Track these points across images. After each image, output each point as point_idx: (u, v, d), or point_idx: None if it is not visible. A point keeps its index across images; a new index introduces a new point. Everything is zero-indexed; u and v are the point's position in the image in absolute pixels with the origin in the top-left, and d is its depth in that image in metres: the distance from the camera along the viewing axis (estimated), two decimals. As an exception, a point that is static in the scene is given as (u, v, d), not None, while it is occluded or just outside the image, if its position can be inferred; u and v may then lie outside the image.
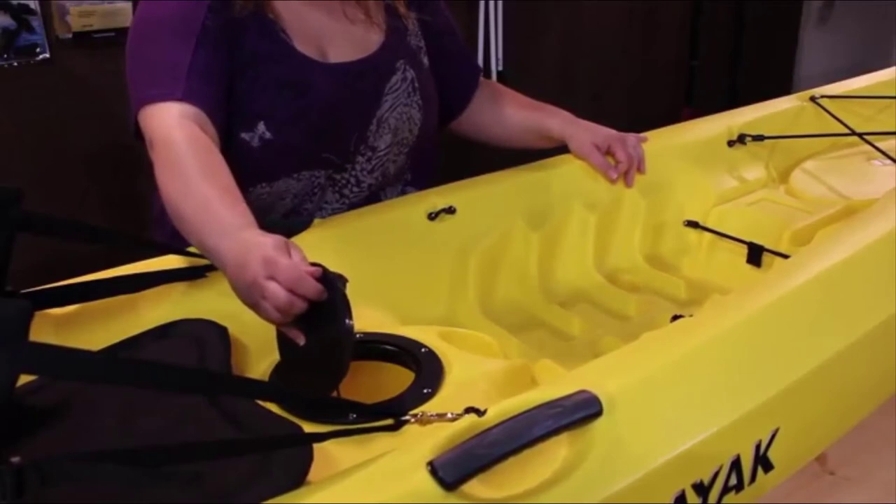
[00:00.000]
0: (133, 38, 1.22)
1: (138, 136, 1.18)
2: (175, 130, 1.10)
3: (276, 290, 0.87)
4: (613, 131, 1.45)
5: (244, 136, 1.22)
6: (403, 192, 1.42)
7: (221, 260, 0.96)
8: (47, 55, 2.25)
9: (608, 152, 1.43)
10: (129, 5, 2.33)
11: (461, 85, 1.49)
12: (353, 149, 1.31)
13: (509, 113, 1.50)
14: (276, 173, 1.26)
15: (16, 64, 2.20)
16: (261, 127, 1.22)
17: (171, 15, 1.19)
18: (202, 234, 1.00)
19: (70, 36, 2.25)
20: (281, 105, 1.23)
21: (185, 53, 1.16)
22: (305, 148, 1.26)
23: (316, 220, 1.22)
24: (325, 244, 1.19)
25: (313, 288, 0.87)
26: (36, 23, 2.19)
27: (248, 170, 1.18)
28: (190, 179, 1.04)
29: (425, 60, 1.40)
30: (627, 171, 1.43)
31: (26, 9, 2.16)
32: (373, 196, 1.37)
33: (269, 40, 1.23)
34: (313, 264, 0.90)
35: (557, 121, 1.47)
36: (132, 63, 1.21)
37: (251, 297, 0.90)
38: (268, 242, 0.91)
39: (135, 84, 1.19)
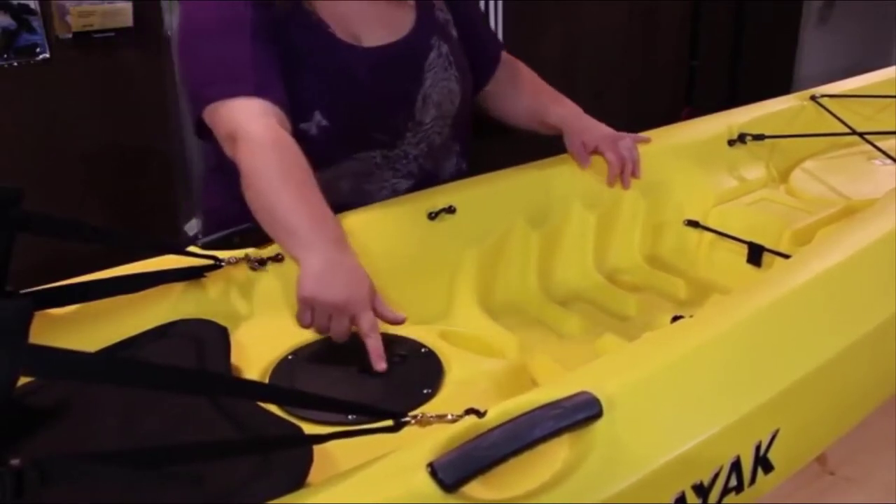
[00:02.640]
0: (185, 38, 1.29)
1: (201, 134, 1.26)
2: (258, 128, 1.16)
3: (370, 320, 1.02)
4: (609, 131, 1.45)
5: (303, 126, 1.27)
6: (458, 166, 1.47)
7: (304, 267, 1.05)
8: (47, 55, 2.25)
9: (596, 152, 1.44)
10: (129, 5, 2.33)
11: (484, 59, 1.51)
12: (401, 126, 1.36)
13: (521, 95, 1.52)
14: (335, 157, 1.31)
15: (16, 64, 2.20)
16: (317, 116, 1.28)
17: (220, 13, 1.24)
18: (288, 244, 1.10)
19: (70, 36, 2.25)
20: (331, 93, 1.29)
21: (245, 49, 1.22)
22: (359, 130, 1.32)
23: (316, 220, 1.22)
24: (325, 244, 1.19)
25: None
26: (36, 23, 2.19)
27: (309, 156, 1.21)
28: (278, 188, 1.11)
29: (454, 32, 1.44)
30: (621, 172, 1.42)
31: (26, 9, 2.16)
32: (426, 170, 1.41)
33: (310, 32, 1.28)
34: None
35: (560, 112, 1.49)
36: (190, 63, 1.27)
37: (332, 304, 1.02)
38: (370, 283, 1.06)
39: (197, 83, 1.25)
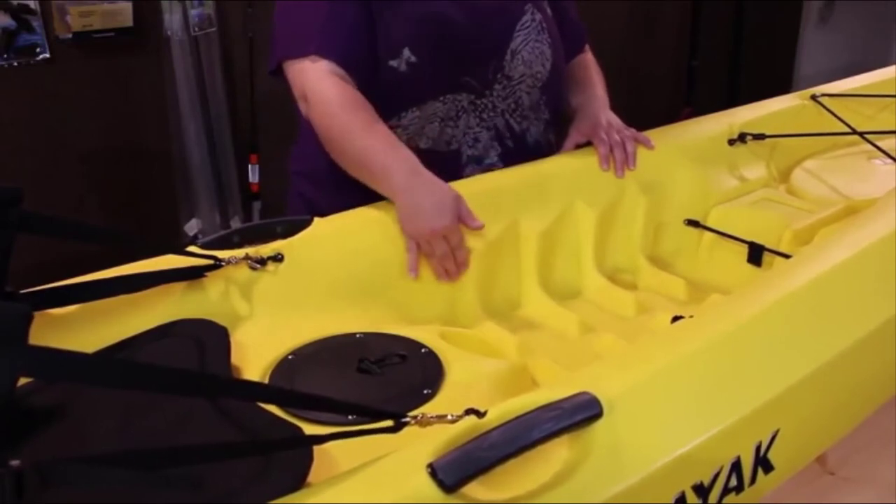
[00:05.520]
0: None
1: (275, 75, 1.36)
2: (325, 87, 1.28)
3: (458, 238, 1.24)
4: (604, 121, 1.47)
5: (392, 63, 1.34)
6: (546, 136, 1.52)
7: (397, 208, 1.23)
8: (47, 55, 2.25)
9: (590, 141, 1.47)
10: (129, 5, 2.33)
11: (567, 46, 1.56)
12: (491, 77, 1.42)
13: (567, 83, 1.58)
14: (423, 96, 1.38)
15: (16, 64, 2.21)
16: (406, 52, 1.34)
17: None
18: (377, 186, 1.26)
19: (70, 36, 2.26)
20: (422, 33, 1.35)
21: (320, 8, 1.31)
22: (448, 71, 1.38)
23: (316, 220, 1.22)
24: (325, 243, 1.19)
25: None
26: (36, 23, 2.19)
27: (398, 95, 1.35)
28: (354, 134, 1.26)
29: (548, 9, 1.50)
30: (613, 159, 1.44)
31: (26, 9, 2.16)
32: (513, 129, 1.46)
33: None
34: None
35: (576, 100, 1.55)
36: (276, 17, 1.37)
37: (427, 234, 1.21)
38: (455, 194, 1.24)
39: (273, 39, 1.36)
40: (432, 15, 1.36)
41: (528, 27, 1.44)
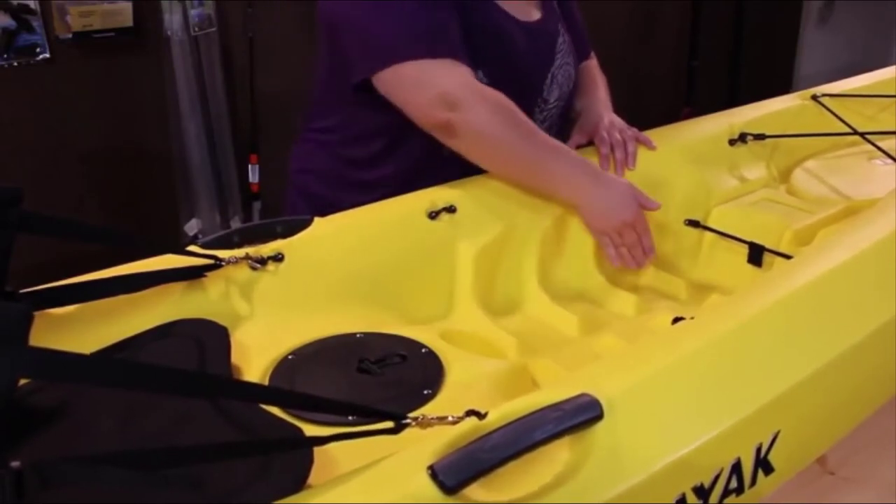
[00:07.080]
0: None
1: (360, 88, 1.31)
2: (485, 91, 1.27)
3: (643, 224, 1.31)
4: (606, 120, 1.49)
5: None
6: None
7: (587, 207, 1.31)
8: (47, 55, 2.25)
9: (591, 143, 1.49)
10: (129, 5, 2.33)
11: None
12: (533, 101, 1.46)
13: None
14: None
15: (16, 64, 2.21)
16: (480, 74, 1.34)
17: None
18: (550, 186, 1.31)
19: (70, 36, 2.26)
20: (491, 52, 1.36)
21: (436, 12, 1.27)
22: (510, 93, 1.35)
23: (316, 219, 1.22)
24: (325, 243, 1.19)
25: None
26: (36, 23, 2.19)
27: None
28: (523, 142, 1.28)
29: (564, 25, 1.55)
30: (608, 155, 1.45)
31: (26, 9, 2.16)
32: None
33: None
34: None
35: (579, 103, 1.58)
36: (374, 18, 1.27)
37: (618, 228, 1.30)
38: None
39: (388, 39, 1.27)
40: (504, 33, 1.38)
41: (562, 49, 1.48)
